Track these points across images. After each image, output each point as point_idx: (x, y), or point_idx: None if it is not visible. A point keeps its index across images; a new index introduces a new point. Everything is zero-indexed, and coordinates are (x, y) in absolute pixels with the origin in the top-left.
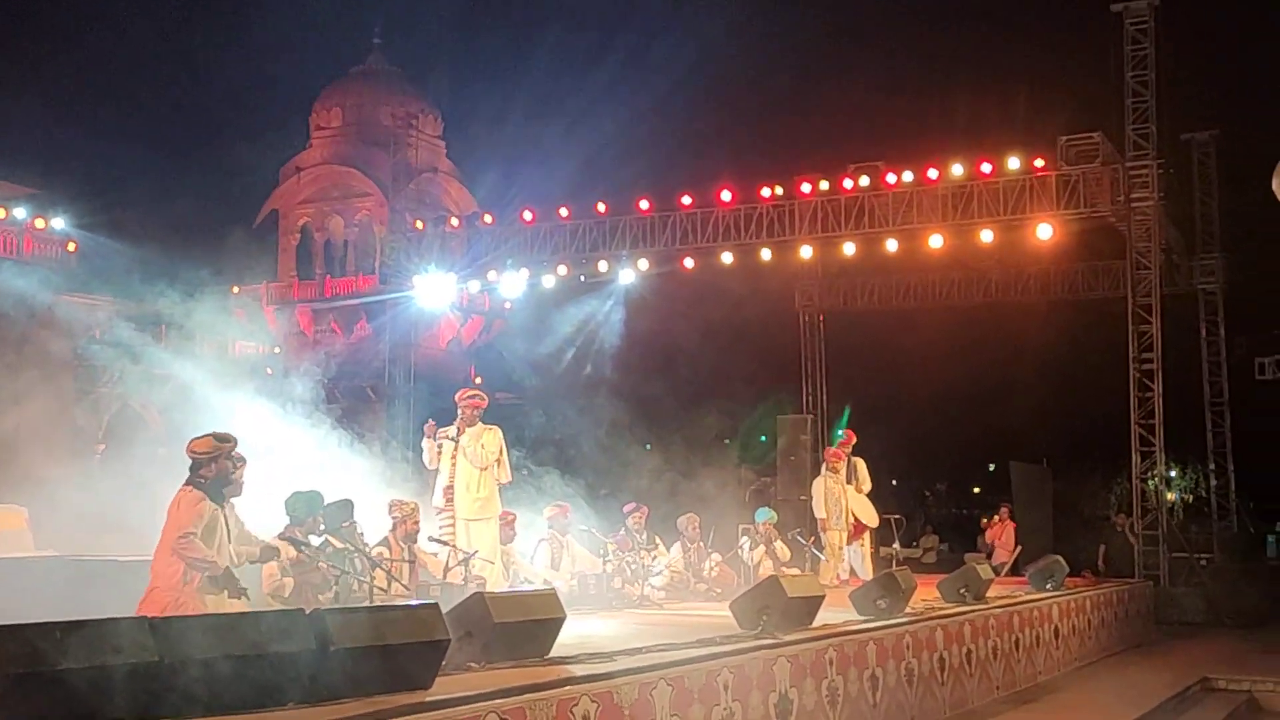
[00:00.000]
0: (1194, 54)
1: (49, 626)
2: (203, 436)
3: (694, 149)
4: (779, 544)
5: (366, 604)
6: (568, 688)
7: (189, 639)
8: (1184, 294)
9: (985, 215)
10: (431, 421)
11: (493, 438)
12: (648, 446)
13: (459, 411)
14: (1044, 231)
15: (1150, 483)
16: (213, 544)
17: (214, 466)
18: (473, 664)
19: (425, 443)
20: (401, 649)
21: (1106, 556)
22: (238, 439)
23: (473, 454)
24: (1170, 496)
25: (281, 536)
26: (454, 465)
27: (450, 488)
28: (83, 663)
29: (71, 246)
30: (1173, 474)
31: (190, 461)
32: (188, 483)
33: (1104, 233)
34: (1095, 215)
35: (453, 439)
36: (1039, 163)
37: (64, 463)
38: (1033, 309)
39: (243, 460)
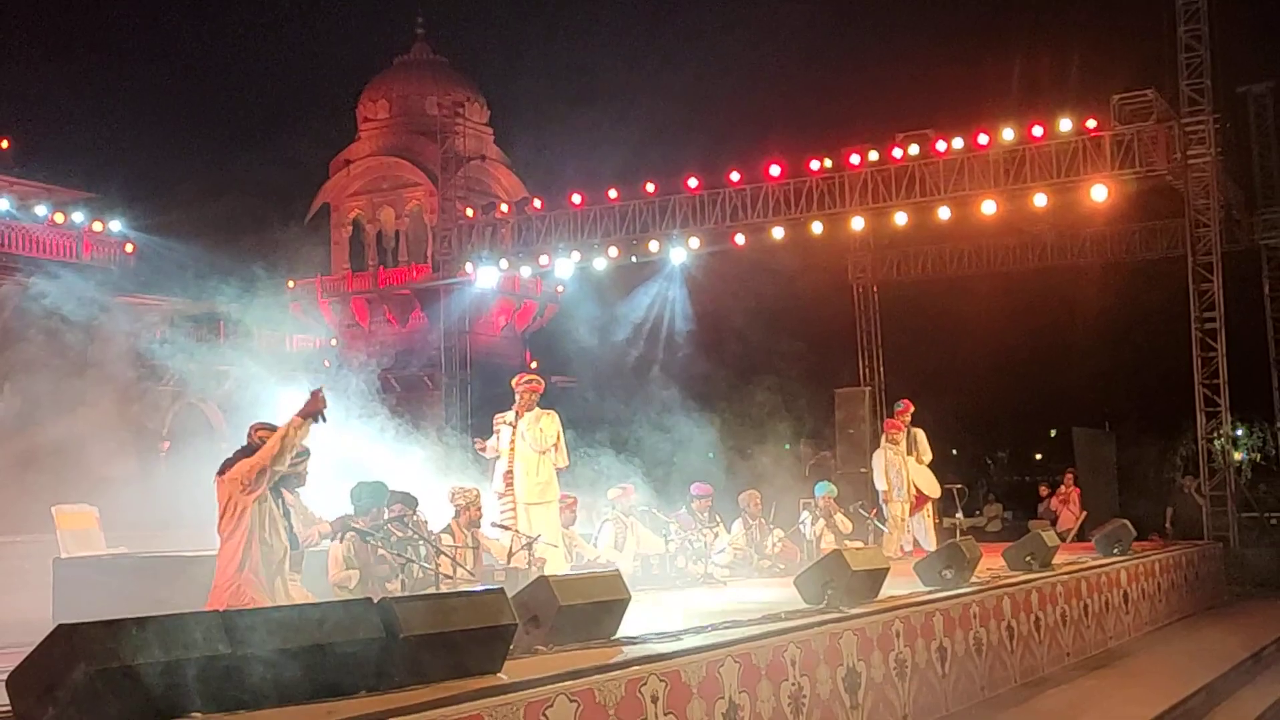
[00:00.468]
0: (1248, 4)
1: (124, 623)
2: (265, 425)
3: (741, 124)
4: (840, 517)
5: (432, 591)
6: (635, 668)
7: (259, 632)
8: (1245, 250)
9: (1038, 179)
10: (499, 415)
11: (550, 422)
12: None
13: (516, 397)
14: (1099, 193)
15: (1217, 443)
16: (272, 529)
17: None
18: (540, 647)
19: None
20: (469, 635)
21: (1174, 519)
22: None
23: (532, 439)
24: (1237, 456)
25: (348, 524)
26: (513, 450)
27: (510, 472)
28: (157, 658)
29: (129, 248)
30: (1239, 433)
31: (246, 444)
32: (237, 454)
33: (1160, 192)
34: (1151, 174)
35: (510, 424)
36: (1091, 123)
37: (130, 461)
38: (1089, 272)
39: (307, 452)
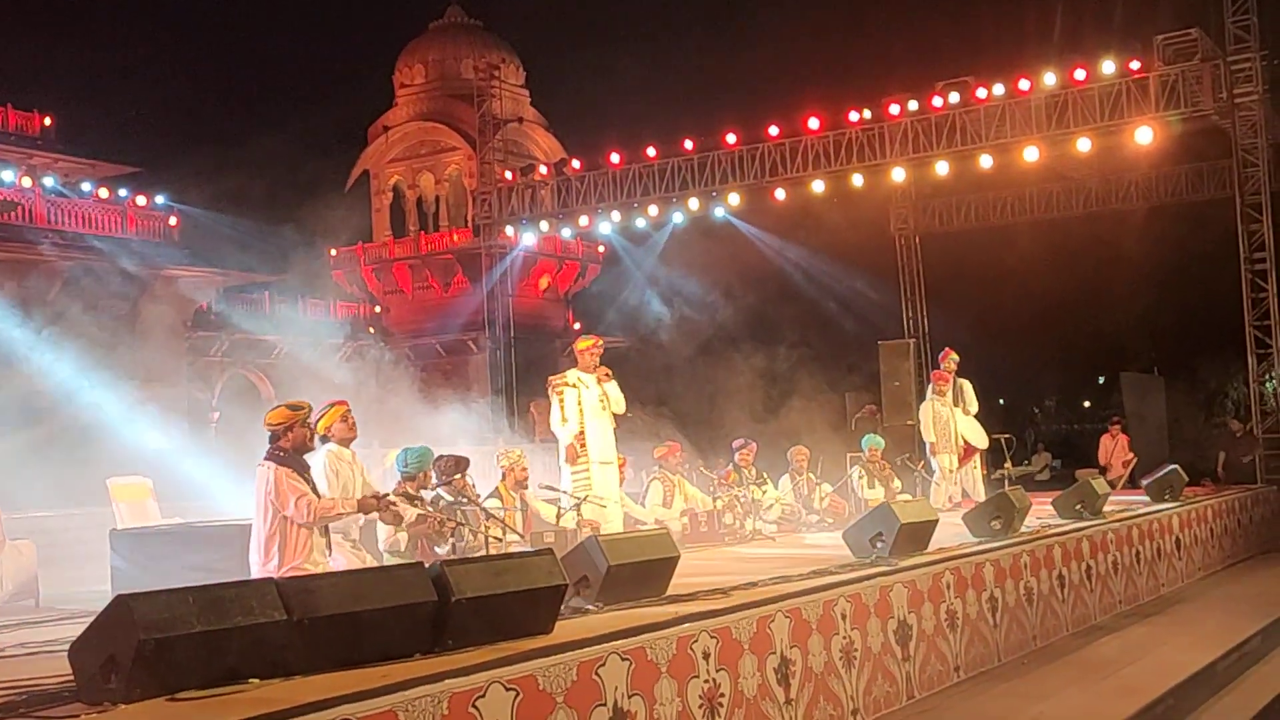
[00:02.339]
0: None
1: (181, 592)
2: (276, 407)
3: (779, 77)
4: (895, 481)
5: (483, 554)
6: (686, 625)
7: (314, 598)
8: None
9: (1081, 123)
10: (551, 378)
11: (614, 384)
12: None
13: (579, 358)
14: (1144, 135)
15: (1269, 385)
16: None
17: (290, 436)
18: (590, 607)
19: (555, 404)
20: (520, 596)
21: (1225, 464)
22: (312, 405)
23: (601, 399)
24: None
25: (395, 492)
26: (581, 412)
27: (582, 433)
28: (215, 625)
29: (174, 221)
30: None
31: (268, 434)
32: (268, 457)
33: (1207, 133)
34: (1197, 115)
35: (575, 386)
36: (1135, 65)
37: (183, 432)
38: (1135, 216)
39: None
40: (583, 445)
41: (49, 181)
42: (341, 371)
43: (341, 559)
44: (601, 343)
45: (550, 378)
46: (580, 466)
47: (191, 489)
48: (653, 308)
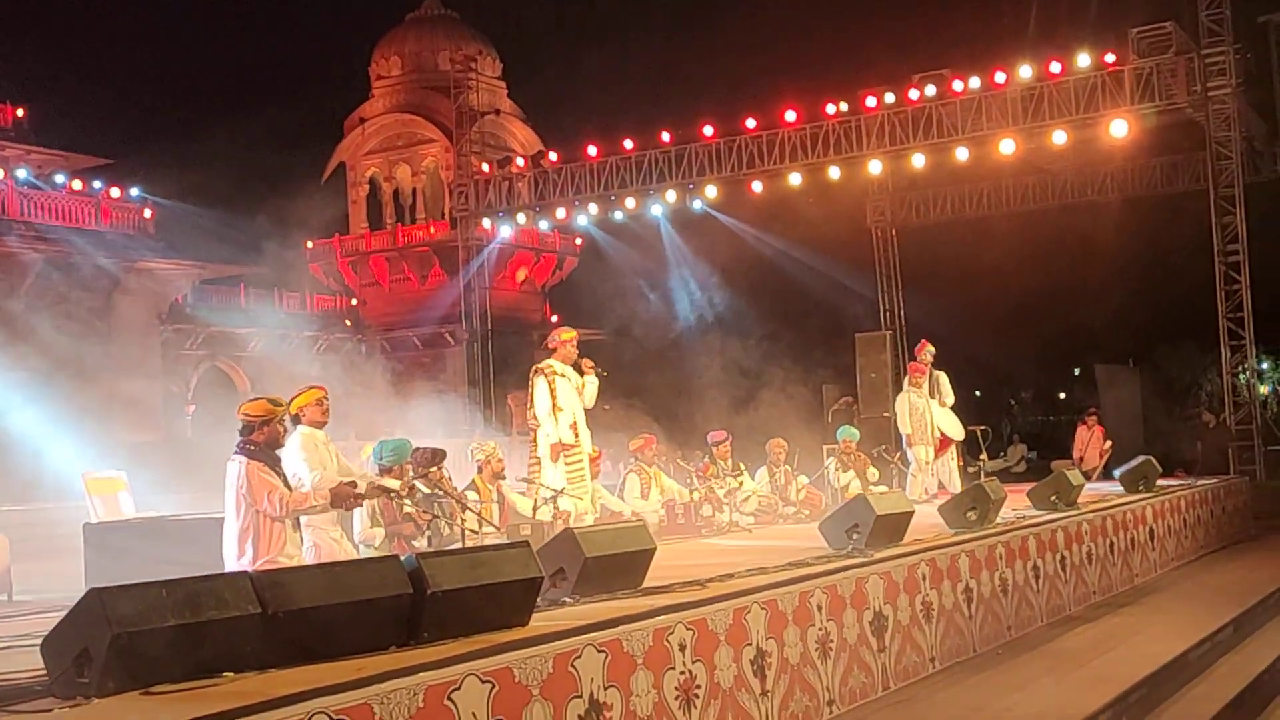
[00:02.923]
0: None
1: (155, 586)
2: (256, 399)
3: (756, 71)
4: (871, 469)
5: (459, 547)
6: (662, 617)
7: (288, 591)
8: (1268, 181)
9: (1057, 116)
10: (538, 366)
11: (594, 379)
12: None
13: (557, 350)
14: (1119, 128)
15: (1242, 377)
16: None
17: (265, 430)
18: (567, 599)
19: (539, 389)
20: (496, 588)
21: (1201, 455)
22: (287, 401)
23: (582, 392)
24: (1263, 390)
25: (369, 489)
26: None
27: (574, 425)
28: (189, 619)
29: (148, 213)
30: (1264, 366)
31: (241, 424)
32: (239, 451)
33: (1181, 125)
34: (1171, 108)
35: (564, 376)
36: (1110, 58)
37: (157, 426)
38: (1110, 209)
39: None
40: (576, 435)
41: (21, 174)
42: (318, 364)
43: (312, 555)
44: (574, 334)
45: (538, 365)
46: (574, 456)
47: (167, 482)
48: (631, 300)
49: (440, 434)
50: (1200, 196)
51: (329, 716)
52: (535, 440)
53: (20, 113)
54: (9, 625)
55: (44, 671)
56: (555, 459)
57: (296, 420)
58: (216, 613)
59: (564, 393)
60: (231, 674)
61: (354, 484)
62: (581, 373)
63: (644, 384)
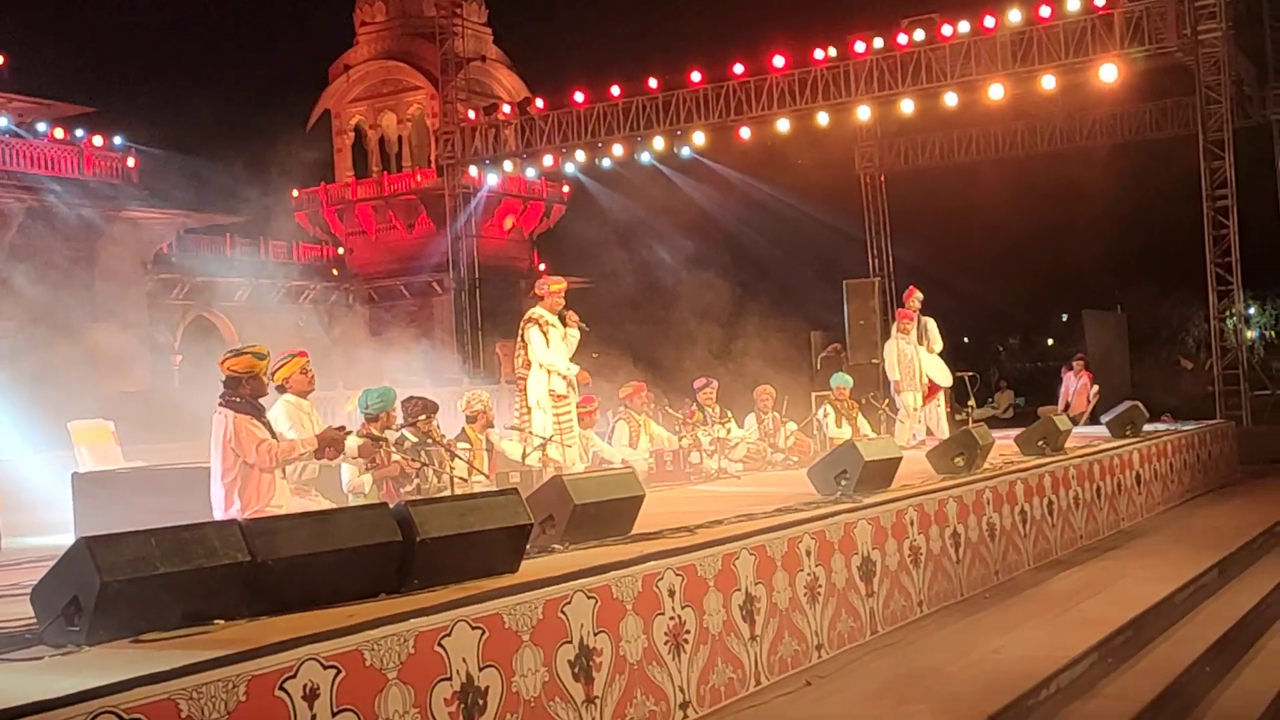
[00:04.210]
0: None
1: (144, 534)
2: (240, 354)
3: (743, 15)
4: (861, 419)
5: (448, 494)
6: (651, 563)
7: (278, 539)
8: (1257, 126)
9: (1046, 61)
10: (530, 313)
11: (576, 332)
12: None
13: (544, 300)
14: (1108, 73)
15: (1229, 321)
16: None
17: (250, 385)
18: (556, 546)
19: (533, 335)
20: (486, 535)
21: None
22: (271, 353)
23: (570, 341)
24: (1250, 334)
25: (358, 434)
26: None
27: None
28: (179, 567)
29: (131, 161)
30: (1251, 311)
31: (225, 377)
32: (224, 404)
33: (1171, 70)
34: (1161, 52)
35: (552, 325)
36: (1100, 1)
37: (144, 375)
38: (1099, 154)
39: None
40: (568, 384)
41: (2, 121)
42: (304, 313)
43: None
44: (563, 283)
45: (529, 314)
46: (563, 406)
47: (154, 432)
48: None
49: (428, 384)
50: (1189, 141)
51: (320, 663)
52: (524, 389)
53: (1, 60)
54: None
55: (34, 620)
56: (553, 406)
57: (281, 389)
58: (206, 561)
59: (555, 341)
60: (222, 622)
61: (341, 428)
62: (565, 324)
63: (630, 332)
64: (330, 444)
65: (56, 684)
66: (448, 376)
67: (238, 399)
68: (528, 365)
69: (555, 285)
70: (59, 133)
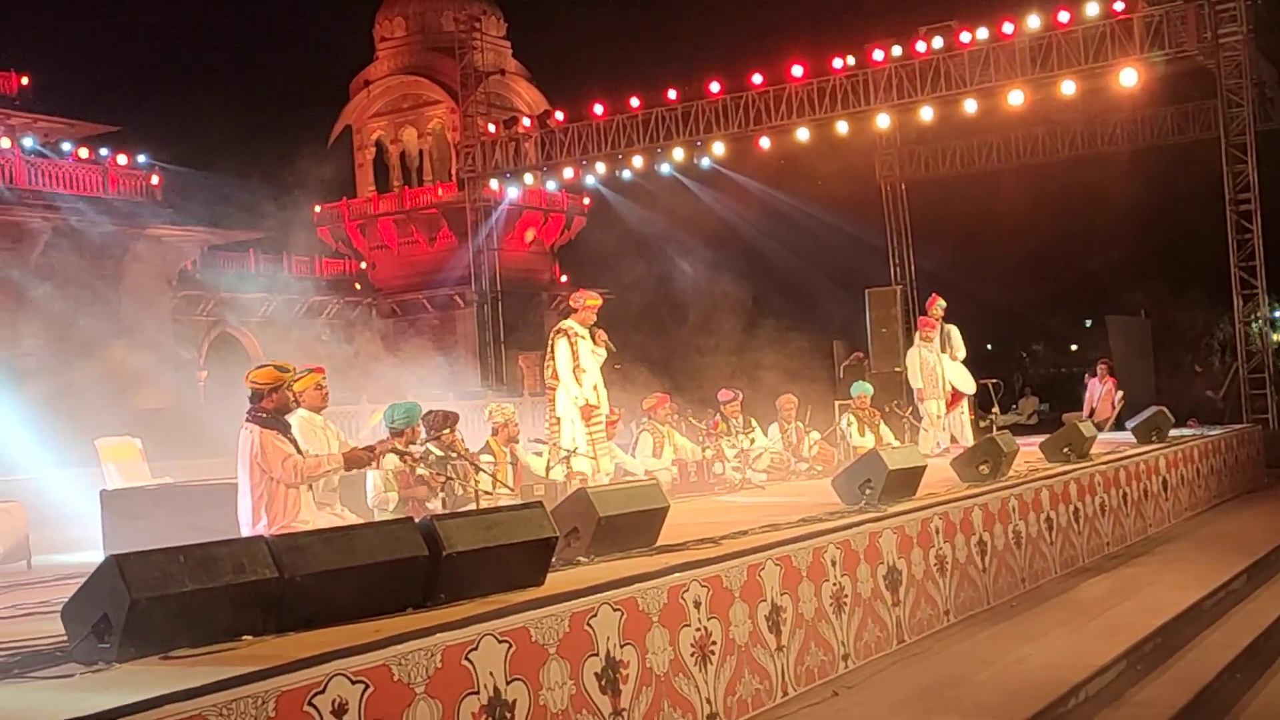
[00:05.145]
0: None
1: (173, 551)
2: (263, 367)
3: (761, 25)
4: (884, 427)
5: (473, 508)
6: (677, 575)
7: (305, 555)
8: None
9: (1066, 66)
10: (561, 325)
11: (602, 349)
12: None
13: (577, 313)
14: (1128, 78)
15: (1254, 325)
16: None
17: (275, 397)
18: (581, 558)
19: (561, 348)
20: (511, 549)
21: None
22: (295, 367)
23: (600, 353)
24: (1276, 338)
25: (382, 448)
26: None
27: (596, 386)
28: (207, 583)
29: (155, 179)
30: (1277, 315)
31: (250, 392)
32: (251, 419)
33: (1192, 74)
34: (1182, 55)
35: (583, 337)
36: (1119, 6)
37: (170, 392)
38: (1120, 159)
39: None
40: (598, 396)
41: (28, 142)
42: (327, 328)
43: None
44: (596, 296)
45: (559, 326)
46: (596, 417)
47: (181, 448)
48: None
49: (451, 396)
50: (1211, 145)
51: (348, 678)
52: (553, 400)
53: (25, 80)
54: (29, 592)
55: (65, 638)
56: (587, 419)
57: (296, 404)
58: (234, 577)
59: (584, 354)
60: (250, 638)
61: (370, 447)
62: (595, 341)
63: (652, 342)
64: (358, 465)
65: (87, 701)
66: (469, 390)
67: (264, 414)
68: (556, 377)
69: (591, 300)
70: (83, 152)
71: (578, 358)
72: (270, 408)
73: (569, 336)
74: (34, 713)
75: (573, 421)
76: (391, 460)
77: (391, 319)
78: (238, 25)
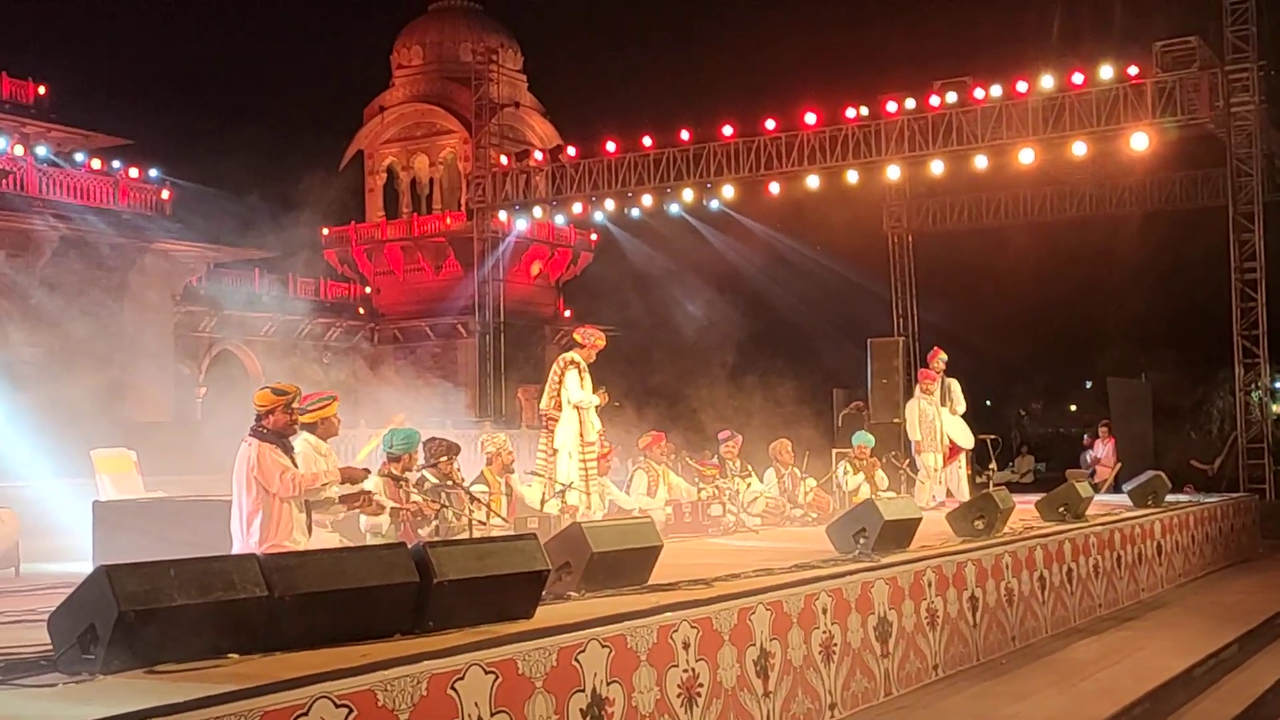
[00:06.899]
0: None
1: (163, 565)
2: (263, 389)
3: (777, 72)
4: (880, 474)
5: (466, 537)
6: (667, 614)
7: (296, 575)
8: None
9: (1078, 127)
10: (565, 355)
11: (597, 397)
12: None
13: (582, 348)
14: (1139, 141)
15: (1255, 395)
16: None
17: (273, 418)
18: (572, 593)
19: (571, 378)
20: (502, 580)
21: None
22: (299, 389)
23: (592, 389)
24: (1276, 408)
25: (380, 474)
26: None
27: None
28: (196, 599)
29: (166, 194)
30: (1277, 385)
31: (255, 412)
32: (252, 434)
33: (1202, 141)
34: (1193, 123)
35: (586, 373)
36: (1133, 70)
37: (168, 406)
38: (1128, 222)
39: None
40: (593, 431)
41: (41, 151)
42: (330, 352)
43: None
44: (601, 334)
45: (568, 356)
46: (591, 452)
47: (176, 463)
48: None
49: (449, 425)
50: (1219, 212)
51: (333, 701)
52: (552, 431)
53: (42, 90)
54: (16, 600)
55: (50, 647)
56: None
57: (311, 428)
58: (223, 594)
59: (588, 388)
60: (237, 655)
61: (366, 469)
62: (593, 385)
63: (653, 382)
64: (353, 481)
65: (69, 712)
66: (468, 420)
67: (264, 430)
68: (559, 408)
69: (598, 339)
70: (96, 163)
71: (585, 383)
72: (270, 426)
73: (579, 369)
74: None
75: (570, 455)
76: (376, 483)
77: (393, 345)
78: (256, 46)
